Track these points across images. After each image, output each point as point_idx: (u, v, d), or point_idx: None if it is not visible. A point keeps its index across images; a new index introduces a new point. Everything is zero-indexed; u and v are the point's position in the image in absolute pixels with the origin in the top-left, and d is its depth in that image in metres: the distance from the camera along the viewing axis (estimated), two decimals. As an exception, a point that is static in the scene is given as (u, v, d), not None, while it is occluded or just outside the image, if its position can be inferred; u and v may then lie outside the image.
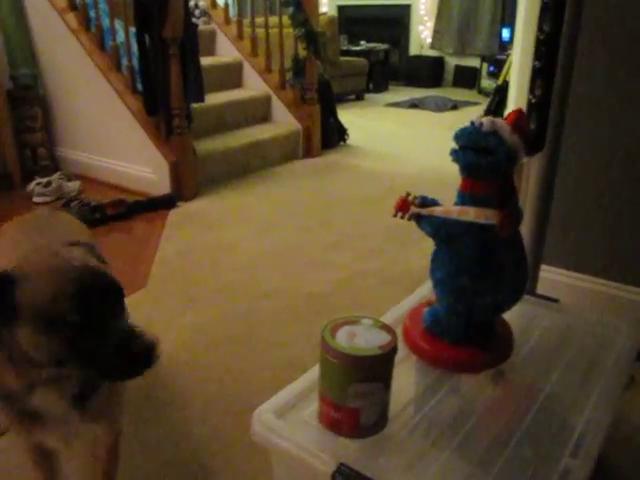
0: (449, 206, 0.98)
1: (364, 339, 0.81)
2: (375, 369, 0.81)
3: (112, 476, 1.20)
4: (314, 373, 0.94)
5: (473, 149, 0.94)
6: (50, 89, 3.96)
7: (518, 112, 0.96)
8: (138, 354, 0.83)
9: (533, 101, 1.26)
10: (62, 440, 0.99)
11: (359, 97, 7.37)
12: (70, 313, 0.79)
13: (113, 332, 0.82)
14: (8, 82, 3.73)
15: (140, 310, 2.06)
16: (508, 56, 5.51)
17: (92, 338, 0.81)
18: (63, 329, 0.79)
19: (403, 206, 1.01)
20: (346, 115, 5.29)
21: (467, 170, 0.96)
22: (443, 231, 0.98)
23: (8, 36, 3.74)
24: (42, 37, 3.84)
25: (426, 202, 1.01)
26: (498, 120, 0.94)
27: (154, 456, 1.43)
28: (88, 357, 0.82)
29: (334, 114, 4.71)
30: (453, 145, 0.97)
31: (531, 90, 1.26)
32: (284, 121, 4.36)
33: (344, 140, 4.79)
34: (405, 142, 4.95)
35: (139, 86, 3.48)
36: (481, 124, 0.94)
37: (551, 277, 1.85)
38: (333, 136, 4.65)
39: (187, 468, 1.40)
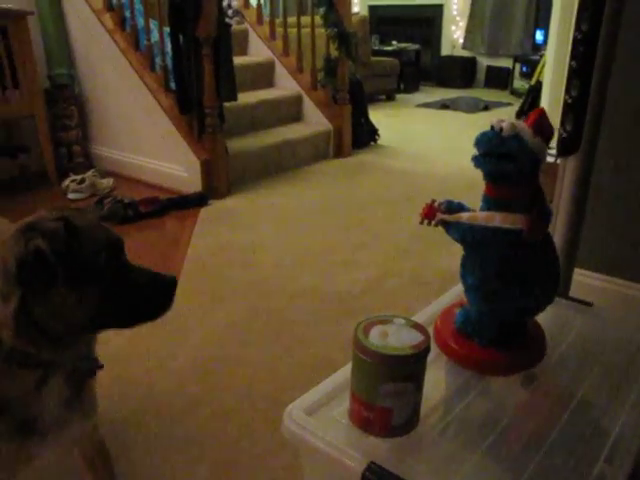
0: (475, 212, 0.96)
1: (397, 338, 0.81)
2: (408, 369, 0.80)
3: (113, 473, 1.20)
4: (345, 372, 0.94)
5: (494, 155, 0.91)
6: (85, 88, 4.04)
7: (539, 112, 0.93)
8: (168, 287, 0.91)
9: (569, 102, 1.24)
10: (54, 448, 0.96)
11: (390, 97, 7.36)
12: (105, 264, 0.82)
13: (139, 275, 0.88)
14: (45, 81, 3.82)
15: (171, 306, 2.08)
16: (542, 57, 5.45)
17: (126, 283, 0.86)
18: (101, 280, 0.81)
19: (429, 213, 1.00)
20: (377, 115, 5.29)
21: (490, 176, 0.94)
22: (470, 237, 0.96)
23: (47, 37, 3.83)
24: (79, 37, 3.92)
25: (452, 207, 0.99)
26: (519, 123, 0.91)
27: (183, 452, 1.45)
28: (124, 303, 0.86)
29: (365, 114, 4.71)
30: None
31: (567, 91, 1.24)
32: (315, 121, 4.38)
33: (375, 140, 4.78)
34: (436, 143, 4.93)
35: (172, 85, 3.53)
36: (501, 128, 0.90)
37: (585, 280, 1.81)
38: (364, 136, 4.65)
39: (216, 463, 1.41)
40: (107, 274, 0.82)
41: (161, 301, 0.91)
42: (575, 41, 1.15)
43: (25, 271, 0.75)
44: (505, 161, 0.90)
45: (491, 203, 0.94)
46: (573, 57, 1.17)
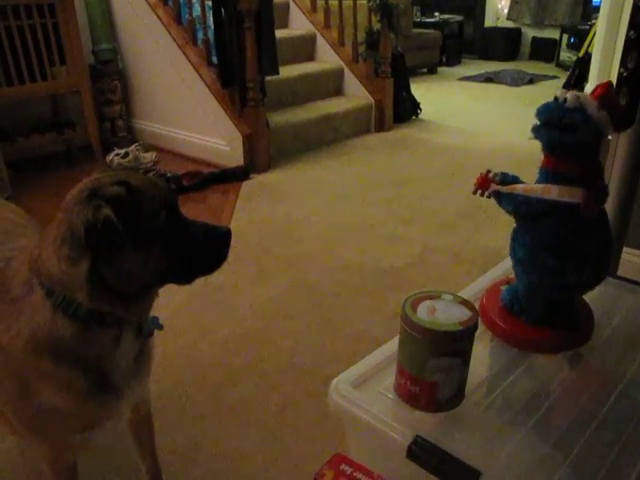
0: (531, 184, 0.95)
1: (445, 314, 0.81)
2: (455, 344, 0.80)
3: (154, 440, 1.24)
4: (391, 346, 0.94)
5: (556, 126, 0.89)
6: (128, 63, 4.08)
7: (607, 85, 0.90)
8: (224, 238, 0.91)
9: (624, 74, 1.20)
10: (128, 403, 0.99)
11: (432, 70, 7.23)
12: (165, 221, 0.83)
13: (196, 228, 0.90)
14: (90, 57, 3.87)
15: (214, 279, 2.11)
16: (592, 26, 5.25)
17: (186, 238, 0.87)
18: (164, 237, 0.83)
19: (483, 183, 0.99)
20: (419, 89, 5.21)
21: (550, 148, 0.92)
22: (524, 210, 0.95)
23: (91, 13, 3.87)
24: (122, 13, 3.95)
25: (507, 179, 0.98)
26: (583, 95, 0.89)
27: (228, 421, 1.48)
28: (185, 257, 0.87)
29: (407, 88, 4.64)
30: (529, 120, 0.94)
31: (623, 62, 1.20)
32: (357, 94, 4.34)
33: (417, 114, 4.72)
34: (479, 117, 4.84)
35: (214, 59, 3.53)
36: (565, 99, 0.89)
37: (634, 260, 1.78)
38: (406, 110, 4.59)
39: (261, 433, 1.44)
40: (168, 231, 0.84)
41: (218, 253, 0.92)
42: (635, 9, 1.11)
43: (94, 238, 0.77)
44: (567, 132, 0.88)
45: (549, 176, 0.92)
46: (632, 26, 1.13)
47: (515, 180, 0.98)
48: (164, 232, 0.83)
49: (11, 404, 0.91)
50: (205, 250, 0.91)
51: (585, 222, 0.92)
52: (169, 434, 1.43)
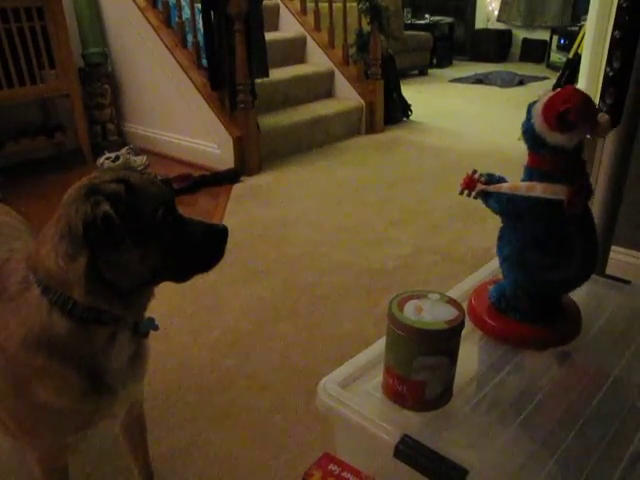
0: (516, 182, 0.96)
1: (431, 313, 0.81)
2: (442, 343, 0.81)
3: (147, 442, 1.23)
4: (378, 346, 0.94)
5: None
6: (118, 66, 4.07)
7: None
8: (221, 236, 0.92)
9: (610, 74, 1.21)
10: (123, 403, 0.99)
11: (422, 72, 7.26)
12: (163, 219, 0.84)
13: (193, 227, 0.90)
14: (80, 60, 3.86)
15: (205, 281, 2.12)
16: (581, 27, 5.28)
17: (183, 236, 0.88)
18: (161, 235, 0.84)
19: (469, 183, 1.00)
20: (409, 90, 5.22)
21: (533, 146, 0.93)
22: (510, 207, 0.96)
23: (80, 16, 3.85)
24: (111, 16, 3.94)
25: (492, 179, 0.99)
26: None
27: (217, 424, 1.48)
28: (182, 255, 0.88)
29: (397, 90, 4.65)
30: (519, 122, 0.95)
31: (609, 62, 1.20)
32: (347, 96, 4.35)
33: (407, 116, 4.73)
34: (469, 118, 4.85)
35: (204, 62, 3.53)
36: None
37: (622, 258, 1.78)
38: (396, 112, 4.60)
39: (250, 435, 1.44)
40: (166, 228, 0.84)
41: (215, 250, 0.92)
42: (620, 9, 1.12)
43: (93, 234, 0.77)
44: None
45: (533, 174, 0.94)
46: (617, 26, 1.14)
47: (501, 180, 0.99)
48: (162, 229, 0.84)
49: (5, 403, 0.91)
50: (202, 248, 0.91)
51: (570, 218, 0.93)
52: (160, 436, 1.42)
